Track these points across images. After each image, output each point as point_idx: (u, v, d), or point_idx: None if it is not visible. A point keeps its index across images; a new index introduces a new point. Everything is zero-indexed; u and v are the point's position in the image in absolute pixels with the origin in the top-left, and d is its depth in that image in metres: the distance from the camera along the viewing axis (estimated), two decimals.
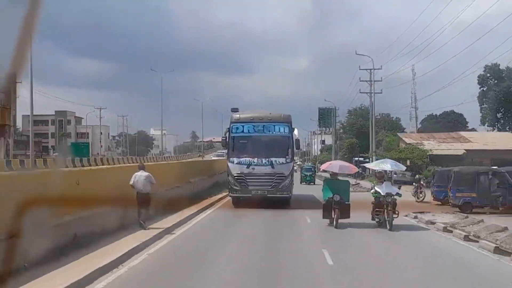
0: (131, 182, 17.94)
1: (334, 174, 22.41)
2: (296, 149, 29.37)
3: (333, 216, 20.27)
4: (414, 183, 35.88)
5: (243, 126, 27.88)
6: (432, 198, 31.95)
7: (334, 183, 21.61)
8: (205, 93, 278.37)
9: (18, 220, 8.60)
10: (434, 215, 23.37)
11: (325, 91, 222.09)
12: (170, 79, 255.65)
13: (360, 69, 59.81)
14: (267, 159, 27.06)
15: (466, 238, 16.65)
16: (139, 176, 18.06)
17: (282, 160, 27.20)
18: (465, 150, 52.95)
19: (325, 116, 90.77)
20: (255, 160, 27.08)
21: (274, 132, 27.78)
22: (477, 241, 15.91)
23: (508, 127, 79.49)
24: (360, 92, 62.26)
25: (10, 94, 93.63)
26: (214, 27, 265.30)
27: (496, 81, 78.27)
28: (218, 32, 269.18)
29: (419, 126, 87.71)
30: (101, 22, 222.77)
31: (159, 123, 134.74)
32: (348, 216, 20.58)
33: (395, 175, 26.09)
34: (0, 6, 4.58)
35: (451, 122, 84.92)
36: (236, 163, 27.29)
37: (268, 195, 26.93)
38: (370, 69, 59.13)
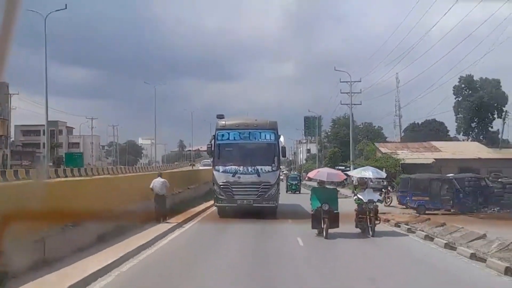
0: (150, 186, 22.04)
1: (322, 182, 21.16)
2: (282, 156, 27.66)
3: (322, 226, 18.99)
4: (382, 190, 35.99)
5: (228, 134, 26.21)
6: (397, 202, 34.05)
7: (322, 191, 20.37)
8: (193, 100, 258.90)
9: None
10: (396, 219, 24.01)
11: (312, 97, 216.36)
12: (158, 87, 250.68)
13: (340, 82, 60.70)
14: (253, 167, 25.45)
15: (447, 246, 16.73)
16: (157, 181, 22.17)
17: (268, 168, 25.58)
18: (435, 159, 54.55)
19: (311, 125, 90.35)
20: (241, 168, 25.46)
21: (260, 140, 26.14)
22: (455, 248, 16.18)
23: (481, 136, 79.74)
24: (341, 104, 63.48)
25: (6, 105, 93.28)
26: (202, 34, 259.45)
27: (470, 92, 79.55)
28: (206, 39, 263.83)
29: (402, 134, 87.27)
30: (88, 30, 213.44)
31: (146, 132, 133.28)
32: (337, 226, 19.42)
33: (371, 183, 25.86)
34: None
35: (433, 131, 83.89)
36: (222, 172, 25.66)
37: (254, 205, 25.35)
38: (349, 82, 59.90)
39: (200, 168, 73.08)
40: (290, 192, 50.94)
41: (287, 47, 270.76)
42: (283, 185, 40.10)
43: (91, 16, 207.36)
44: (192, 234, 20.63)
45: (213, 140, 26.36)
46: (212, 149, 26.24)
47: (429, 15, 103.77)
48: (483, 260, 14.01)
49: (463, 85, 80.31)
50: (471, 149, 59.36)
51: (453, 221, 22.40)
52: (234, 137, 26.19)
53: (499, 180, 31.91)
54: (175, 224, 21.42)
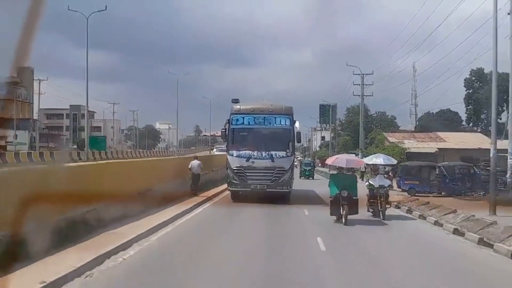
0: (189, 166, 25.99)
1: (340, 169, 20.03)
2: (297, 142, 26.19)
3: (341, 213, 17.99)
4: (384, 175, 35.25)
5: (243, 118, 24.82)
6: (397, 186, 34.59)
7: (340, 178, 19.17)
8: (210, 86, 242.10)
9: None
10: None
11: (330, 85, 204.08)
12: (175, 72, 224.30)
13: (354, 74, 59.30)
14: (267, 153, 24.13)
15: (455, 232, 16.78)
16: (194, 163, 26.13)
17: (282, 153, 24.23)
18: (438, 148, 56.50)
19: (326, 113, 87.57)
20: (255, 153, 24.16)
21: (275, 125, 24.75)
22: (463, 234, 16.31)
23: (490, 127, 75.64)
24: (354, 95, 62.87)
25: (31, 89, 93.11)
26: (221, 21, 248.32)
27: (480, 84, 77.52)
28: (225, 25, 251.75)
29: (417, 123, 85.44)
30: (106, 14, 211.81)
31: (164, 116, 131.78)
32: (357, 212, 18.42)
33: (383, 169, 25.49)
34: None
35: (448, 120, 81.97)
36: (236, 156, 24.38)
37: (268, 190, 24.10)
38: (361, 74, 58.79)
39: (216, 153, 71.04)
40: (303, 177, 49.85)
41: (306, 33, 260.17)
42: (296, 171, 39.06)
43: (115, 2, 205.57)
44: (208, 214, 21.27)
45: (227, 125, 25.06)
46: (227, 133, 24.95)
47: (448, 2, 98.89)
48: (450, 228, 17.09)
49: (473, 78, 79.08)
50: (473, 140, 59.49)
51: (440, 202, 24.26)
52: (249, 122, 24.87)
53: (487, 168, 31.44)
54: (205, 198, 24.85)
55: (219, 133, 28.54)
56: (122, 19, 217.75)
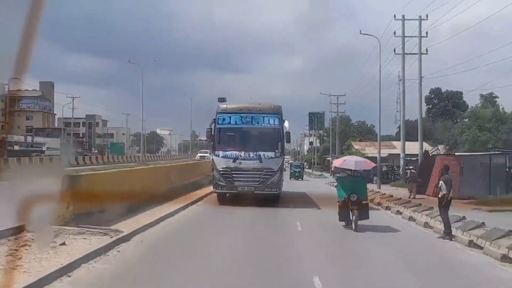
0: None
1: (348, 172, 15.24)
2: (287, 142, 20.85)
3: (351, 218, 13.84)
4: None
5: (230, 117, 19.59)
6: None
7: (349, 181, 14.92)
8: (202, 92, 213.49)
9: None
10: None
11: (320, 92, 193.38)
12: (170, 78, 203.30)
13: (321, 93, 64.75)
14: (255, 153, 19.01)
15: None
16: None
17: (271, 154, 19.09)
18: (388, 154, 57.72)
19: (314, 120, 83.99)
20: (242, 154, 19.02)
21: (263, 124, 19.53)
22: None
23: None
24: (330, 111, 67.88)
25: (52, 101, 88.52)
26: (212, 27, 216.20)
27: (438, 101, 76.97)
28: (216, 32, 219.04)
29: (397, 130, 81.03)
30: (99, 20, 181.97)
31: (163, 123, 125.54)
32: (367, 217, 14.17)
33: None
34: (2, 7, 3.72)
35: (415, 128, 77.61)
36: (222, 157, 19.19)
37: (256, 192, 18.94)
38: (334, 95, 62.93)
39: (197, 159, 62.48)
40: (293, 178, 45.34)
41: (297, 42, 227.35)
42: (287, 173, 34.38)
43: (107, 11, 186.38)
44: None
45: (213, 124, 19.72)
46: (212, 133, 19.66)
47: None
48: None
49: (432, 96, 77.14)
50: (413, 147, 57.32)
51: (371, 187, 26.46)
52: (236, 121, 19.60)
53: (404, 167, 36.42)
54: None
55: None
56: (115, 26, 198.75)
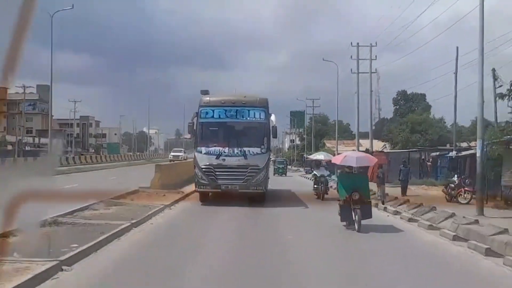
0: None
1: (349, 169, 12.68)
2: (273, 137, 17.89)
3: (353, 218, 11.41)
4: (324, 167, 34.09)
5: (213, 111, 16.41)
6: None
7: (350, 178, 12.44)
8: (186, 88, 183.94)
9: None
10: None
11: (303, 88, 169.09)
12: (153, 75, 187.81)
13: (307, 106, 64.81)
14: (239, 149, 15.92)
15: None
16: None
17: (256, 150, 16.03)
18: (352, 150, 57.10)
19: (296, 118, 80.00)
20: (226, 150, 15.93)
21: (248, 118, 16.41)
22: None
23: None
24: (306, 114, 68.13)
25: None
26: (198, 24, 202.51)
27: (404, 102, 76.39)
28: (201, 29, 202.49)
29: (373, 128, 78.30)
30: (84, 16, 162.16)
31: (150, 122, 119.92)
32: (370, 216, 11.72)
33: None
34: None
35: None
36: (204, 153, 16.05)
37: (240, 190, 15.92)
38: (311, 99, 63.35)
39: (169, 159, 51.51)
40: (277, 174, 42.29)
41: (281, 37, 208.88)
42: (270, 169, 31.34)
43: (96, 10, 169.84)
44: None
45: (195, 118, 16.53)
46: (194, 128, 16.48)
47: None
48: None
49: (399, 97, 76.37)
50: (375, 145, 56.43)
51: None
52: (219, 115, 16.44)
53: None
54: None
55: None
56: (101, 23, 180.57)
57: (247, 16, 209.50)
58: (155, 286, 6.50)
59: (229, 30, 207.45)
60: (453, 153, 26.91)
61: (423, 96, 76.73)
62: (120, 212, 12.67)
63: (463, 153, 25.95)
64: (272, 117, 17.08)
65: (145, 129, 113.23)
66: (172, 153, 57.85)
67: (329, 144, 67.39)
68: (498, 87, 26.07)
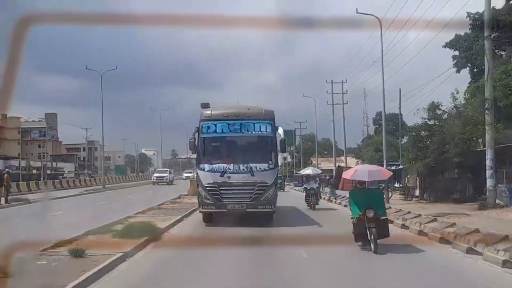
0: None
1: (361, 183, 9.93)
2: (281, 152, 15.11)
3: (369, 238, 9.15)
4: (315, 181, 32.29)
5: (215, 125, 13.74)
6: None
7: (363, 194, 9.84)
8: (183, 108, 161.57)
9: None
10: None
11: (293, 107, 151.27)
12: (145, 96, 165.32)
13: (294, 122, 64.20)
14: (245, 165, 13.22)
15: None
16: None
17: (264, 166, 13.31)
18: (339, 165, 56.50)
19: (287, 138, 77.96)
20: (231, 166, 13.22)
21: (253, 132, 13.75)
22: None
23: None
24: (294, 135, 66.11)
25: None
26: (184, 44, 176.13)
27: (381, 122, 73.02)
28: (188, 49, 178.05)
29: (361, 144, 75.61)
30: (68, 40, 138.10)
31: (148, 143, 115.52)
32: (388, 235, 9.46)
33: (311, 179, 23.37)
34: None
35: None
36: (208, 171, 13.34)
37: (248, 210, 13.11)
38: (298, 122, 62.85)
39: (153, 179, 44.27)
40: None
41: (269, 57, 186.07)
42: None
43: (82, 31, 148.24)
44: None
45: (196, 133, 13.75)
46: (196, 143, 13.65)
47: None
48: None
49: (378, 118, 68.96)
50: (353, 162, 55.01)
51: None
52: (222, 129, 13.72)
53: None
54: None
55: (193, 156, 16.64)
56: (87, 45, 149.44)
57: (234, 36, 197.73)
58: None
59: (215, 50, 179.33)
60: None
61: (397, 116, 76.63)
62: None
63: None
64: (280, 130, 14.36)
65: (143, 151, 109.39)
66: (156, 174, 45.74)
67: (314, 160, 67.48)
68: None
